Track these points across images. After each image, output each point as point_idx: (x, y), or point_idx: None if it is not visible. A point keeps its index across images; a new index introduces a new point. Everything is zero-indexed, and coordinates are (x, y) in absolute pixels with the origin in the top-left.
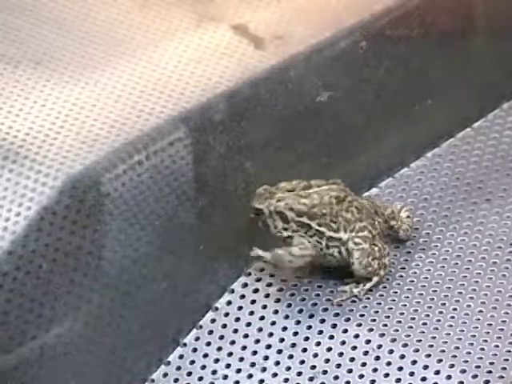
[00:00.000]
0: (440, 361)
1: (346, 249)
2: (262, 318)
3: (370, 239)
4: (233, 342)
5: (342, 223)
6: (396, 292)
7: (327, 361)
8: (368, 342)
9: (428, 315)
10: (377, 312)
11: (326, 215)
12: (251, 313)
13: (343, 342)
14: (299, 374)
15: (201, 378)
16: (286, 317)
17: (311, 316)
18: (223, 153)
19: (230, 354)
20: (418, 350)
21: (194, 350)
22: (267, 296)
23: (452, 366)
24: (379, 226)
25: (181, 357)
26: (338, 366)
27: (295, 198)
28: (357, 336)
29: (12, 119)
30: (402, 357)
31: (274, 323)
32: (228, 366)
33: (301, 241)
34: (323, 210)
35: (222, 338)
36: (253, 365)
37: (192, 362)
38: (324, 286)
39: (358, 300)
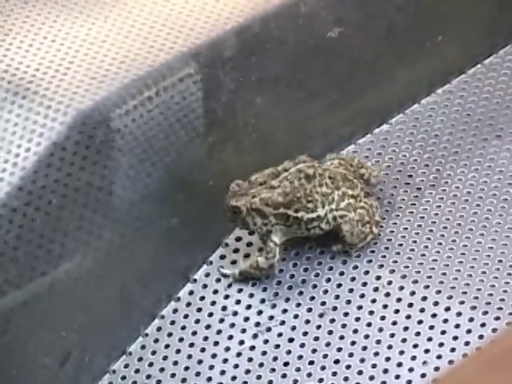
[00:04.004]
0: (450, 297)
1: (326, 222)
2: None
3: (353, 204)
4: None
5: (318, 199)
6: (406, 228)
7: (337, 297)
8: (378, 278)
9: (438, 252)
10: (387, 248)
11: (301, 198)
12: (260, 249)
13: (353, 279)
14: (309, 310)
15: (211, 314)
16: (296, 253)
17: (322, 252)
18: (233, 89)
19: (240, 291)
20: (428, 287)
21: (204, 286)
22: None
23: (462, 302)
24: (358, 183)
25: (191, 293)
26: (348, 302)
27: (268, 191)
28: (367, 272)
29: (22, 55)
30: (413, 293)
31: (284, 259)
32: (238, 302)
33: (273, 242)
34: (297, 194)
35: None
36: (263, 301)
37: (202, 298)
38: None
39: (349, 258)
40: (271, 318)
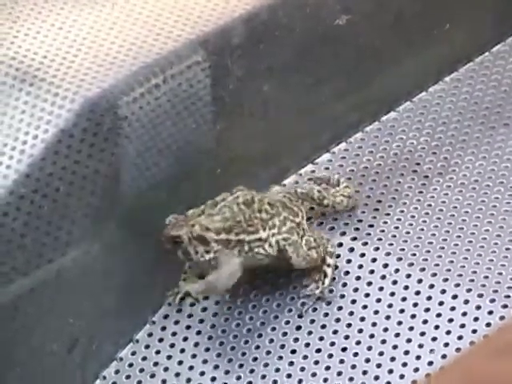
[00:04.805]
0: (457, 285)
1: (269, 245)
2: None
3: (296, 229)
4: None
5: (258, 224)
6: (413, 216)
7: (345, 285)
8: (385, 266)
9: (446, 239)
10: (394, 236)
11: (241, 222)
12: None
13: (360, 266)
14: (316, 297)
15: (217, 302)
16: None
17: (328, 240)
18: (241, 76)
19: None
20: (435, 275)
21: None
22: None
23: (469, 290)
24: (302, 212)
25: None
26: (356, 290)
27: (208, 218)
28: (374, 260)
29: (29, 42)
30: (420, 281)
31: None
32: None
33: (225, 257)
34: (237, 218)
35: None
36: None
37: None
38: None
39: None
40: (278, 305)
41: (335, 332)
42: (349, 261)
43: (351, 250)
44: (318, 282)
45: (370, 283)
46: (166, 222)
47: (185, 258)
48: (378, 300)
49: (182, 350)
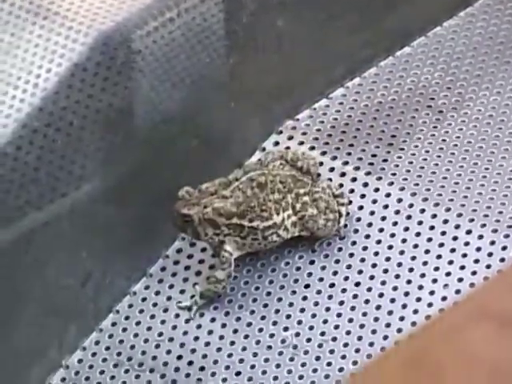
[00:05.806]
0: (472, 220)
1: (284, 229)
2: None
3: (308, 202)
4: None
5: (272, 207)
6: (428, 151)
7: (358, 219)
8: (400, 201)
9: (460, 175)
10: (408, 171)
11: (255, 207)
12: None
13: (374, 201)
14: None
15: None
16: (317, 175)
17: (343, 174)
18: (255, 10)
19: None
20: (449, 210)
21: None
22: None
23: (484, 225)
24: (308, 179)
25: None
26: (370, 225)
27: (221, 201)
28: (388, 195)
29: None
30: (434, 216)
31: None
32: None
33: (227, 252)
34: (250, 203)
35: None
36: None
37: None
38: None
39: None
40: (292, 239)
41: (349, 266)
42: (363, 195)
43: (365, 184)
44: (334, 221)
45: (383, 218)
46: (179, 195)
47: (193, 237)
48: (392, 235)
49: (195, 284)
